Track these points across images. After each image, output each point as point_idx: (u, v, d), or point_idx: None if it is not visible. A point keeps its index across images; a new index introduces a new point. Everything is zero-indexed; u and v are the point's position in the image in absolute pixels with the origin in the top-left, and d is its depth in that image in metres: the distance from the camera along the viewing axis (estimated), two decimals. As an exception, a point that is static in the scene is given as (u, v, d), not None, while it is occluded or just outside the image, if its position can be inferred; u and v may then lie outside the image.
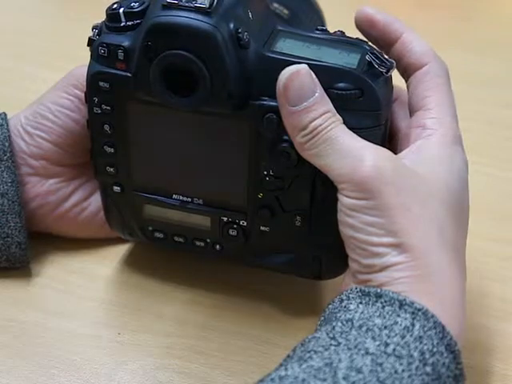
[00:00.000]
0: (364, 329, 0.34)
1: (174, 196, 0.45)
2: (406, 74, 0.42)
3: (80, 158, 0.49)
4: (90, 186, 0.51)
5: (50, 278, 0.50)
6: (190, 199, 0.44)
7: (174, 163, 0.44)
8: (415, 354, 0.32)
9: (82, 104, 0.47)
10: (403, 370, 0.32)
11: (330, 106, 0.38)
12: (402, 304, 0.34)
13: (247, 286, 0.49)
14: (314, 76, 0.37)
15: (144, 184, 0.45)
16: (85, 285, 0.49)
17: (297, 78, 0.37)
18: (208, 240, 0.46)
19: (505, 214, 0.57)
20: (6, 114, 0.49)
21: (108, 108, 0.42)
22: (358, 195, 0.36)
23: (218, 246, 0.46)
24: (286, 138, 0.39)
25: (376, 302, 0.35)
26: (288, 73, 0.37)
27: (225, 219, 0.44)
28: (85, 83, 0.43)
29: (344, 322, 0.34)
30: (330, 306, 0.37)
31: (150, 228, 0.47)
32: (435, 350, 0.33)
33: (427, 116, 0.40)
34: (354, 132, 0.38)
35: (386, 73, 0.39)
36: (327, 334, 0.34)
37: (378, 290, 0.35)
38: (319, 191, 0.41)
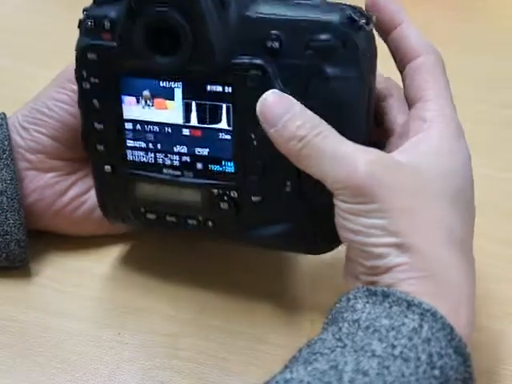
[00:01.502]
0: (371, 330, 0.33)
1: (164, 171, 0.44)
2: (402, 63, 0.41)
3: (77, 153, 0.50)
4: (88, 181, 0.51)
5: (50, 277, 0.50)
6: (180, 173, 0.44)
7: (164, 135, 0.44)
8: (423, 357, 0.32)
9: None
10: (410, 374, 0.31)
11: (312, 117, 0.38)
12: (410, 304, 0.34)
13: (248, 286, 0.49)
14: (285, 96, 0.38)
15: (134, 161, 0.45)
16: (85, 284, 0.49)
17: (266, 102, 0.38)
18: (200, 217, 0.45)
19: (505, 214, 0.57)
20: (5, 114, 0.49)
21: (96, 81, 0.43)
22: (355, 200, 0.36)
23: (210, 223, 0.45)
24: None
25: (383, 301, 0.34)
26: (260, 102, 0.38)
27: (215, 192, 0.44)
28: None
29: (351, 323, 0.34)
30: (338, 306, 0.36)
31: (143, 209, 0.46)
32: (443, 352, 0.32)
33: (427, 108, 0.39)
34: (336, 81, 0.38)
35: (367, 24, 0.39)
36: (333, 335, 0.34)
37: (386, 290, 0.35)
38: None
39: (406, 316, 0.33)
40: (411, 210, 0.36)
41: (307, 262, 0.51)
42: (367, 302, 0.35)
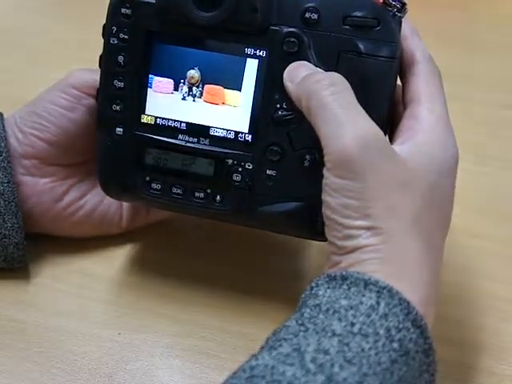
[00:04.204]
0: (331, 312, 0.34)
1: (179, 136, 0.44)
2: (402, 70, 0.42)
3: (72, 158, 0.50)
4: (85, 186, 0.51)
5: (50, 277, 0.50)
6: (196, 139, 0.44)
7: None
8: (381, 332, 0.33)
9: (78, 104, 0.47)
10: (370, 348, 0.32)
11: (333, 77, 0.39)
12: (366, 283, 0.35)
13: (248, 286, 0.49)
14: (310, 65, 0.41)
15: (149, 123, 0.45)
16: (85, 285, 0.49)
17: (293, 65, 0.41)
18: (208, 190, 0.45)
19: (505, 214, 0.57)
20: (2, 115, 0.49)
21: (126, 37, 0.43)
22: (340, 172, 0.36)
23: (218, 197, 0.44)
24: None
25: (342, 284, 0.35)
26: (288, 67, 0.41)
27: (229, 162, 0.44)
28: (83, 83, 0.45)
29: (312, 308, 0.35)
30: (302, 296, 0.37)
31: (148, 178, 0.45)
32: (401, 326, 0.33)
33: (419, 107, 0.40)
34: (368, 58, 0.40)
35: (400, 11, 0.40)
36: (296, 321, 0.35)
37: (344, 273, 0.36)
38: None
39: (363, 295, 0.34)
40: (389, 198, 0.36)
41: (308, 262, 0.51)
42: (328, 288, 0.36)
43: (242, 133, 0.43)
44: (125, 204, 0.52)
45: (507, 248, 0.53)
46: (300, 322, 0.34)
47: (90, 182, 0.50)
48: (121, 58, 0.44)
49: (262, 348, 0.34)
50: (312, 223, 0.43)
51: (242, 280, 0.49)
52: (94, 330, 0.46)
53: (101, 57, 0.45)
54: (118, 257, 0.51)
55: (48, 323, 0.46)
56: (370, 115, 0.38)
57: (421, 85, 0.41)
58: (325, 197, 0.38)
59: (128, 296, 0.48)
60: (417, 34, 0.42)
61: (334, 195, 0.37)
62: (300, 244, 0.53)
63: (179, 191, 0.45)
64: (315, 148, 0.41)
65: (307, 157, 0.42)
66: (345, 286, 0.35)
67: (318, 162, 0.41)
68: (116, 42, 0.44)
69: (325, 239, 0.41)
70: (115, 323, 0.46)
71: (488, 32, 0.84)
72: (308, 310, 0.35)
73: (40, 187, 0.49)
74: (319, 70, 0.40)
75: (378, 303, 0.34)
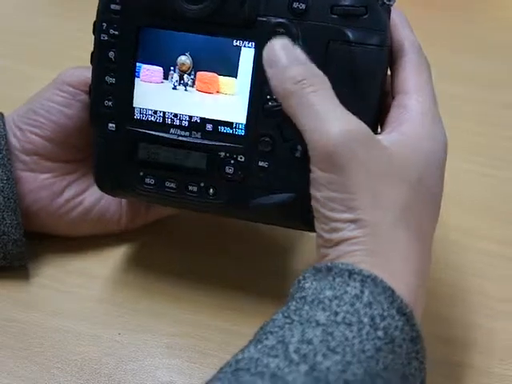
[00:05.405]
0: (316, 302, 0.34)
1: (171, 130, 0.44)
2: (391, 60, 0.42)
3: (72, 154, 0.50)
4: (84, 182, 0.51)
5: (50, 277, 0.50)
6: (188, 133, 0.44)
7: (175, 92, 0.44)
8: (365, 320, 0.33)
9: (74, 100, 0.48)
10: (354, 337, 0.32)
11: (314, 70, 0.38)
12: (351, 273, 0.35)
13: (248, 286, 0.49)
14: (293, 46, 0.39)
15: (141, 119, 0.45)
16: (84, 285, 0.49)
17: (273, 44, 0.39)
18: (202, 183, 0.45)
19: (505, 214, 0.57)
20: (2, 114, 0.49)
21: (116, 33, 0.43)
22: (323, 166, 0.37)
23: (211, 190, 0.44)
24: None
25: (327, 275, 0.35)
26: (268, 44, 0.39)
27: (222, 155, 0.44)
28: (78, 80, 0.46)
29: (298, 300, 0.35)
30: (291, 290, 0.37)
31: (142, 173, 0.45)
32: (386, 314, 0.33)
33: (407, 98, 0.40)
34: (357, 47, 0.40)
35: (389, 0, 0.40)
36: (282, 314, 0.35)
37: (329, 264, 0.36)
38: None
39: (348, 284, 0.34)
40: (374, 190, 0.36)
41: (310, 263, 0.51)
42: (314, 280, 0.36)
43: (237, 123, 0.43)
44: (124, 203, 0.52)
45: (504, 247, 0.53)
46: (286, 314, 0.35)
47: (90, 179, 0.50)
48: (111, 54, 0.44)
49: (250, 342, 0.34)
50: (304, 214, 0.43)
51: (242, 279, 0.49)
52: (94, 330, 0.46)
53: (92, 53, 0.45)
54: (118, 257, 0.51)
55: (48, 323, 0.46)
56: (361, 103, 0.38)
57: (409, 76, 0.40)
58: (312, 190, 0.38)
59: (128, 296, 0.48)
60: (407, 23, 0.42)
61: (320, 189, 0.37)
62: (301, 243, 0.53)
63: (173, 185, 0.45)
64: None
65: (298, 147, 0.42)
66: (330, 277, 0.35)
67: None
68: (106, 38, 0.44)
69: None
70: (115, 323, 0.46)
71: (488, 32, 0.84)
72: (294, 303, 0.35)
73: (39, 183, 0.49)
74: (297, 51, 0.39)
75: (362, 292, 0.34)
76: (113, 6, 0.43)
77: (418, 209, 0.37)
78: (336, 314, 0.33)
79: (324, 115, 0.37)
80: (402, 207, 0.37)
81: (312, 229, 0.42)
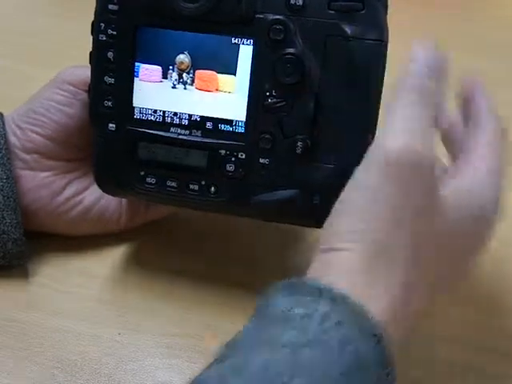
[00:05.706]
0: (283, 320, 0.33)
1: (171, 129, 0.44)
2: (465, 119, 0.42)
3: (73, 153, 0.50)
4: (84, 181, 0.51)
5: (50, 277, 0.50)
6: (188, 131, 0.44)
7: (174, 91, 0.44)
8: (333, 342, 0.31)
9: (74, 99, 0.48)
10: (320, 360, 0.31)
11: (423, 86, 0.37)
12: (321, 292, 0.33)
13: (248, 286, 0.49)
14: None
15: (141, 119, 0.45)
16: (84, 285, 0.49)
17: (419, 47, 0.38)
18: (203, 182, 0.45)
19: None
20: (2, 114, 0.49)
21: (114, 33, 0.43)
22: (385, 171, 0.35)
23: (212, 188, 0.44)
24: (290, 50, 0.41)
25: (297, 292, 0.34)
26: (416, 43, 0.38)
27: (222, 152, 0.44)
28: (78, 79, 0.46)
29: (264, 317, 0.34)
30: (258, 303, 0.36)
31: (142, 173, 0.45)
32: (355, 335, 0.32)
33: (475, 157, 0.39)
34: (355, 42, 0.40)
35: None
36: (248, 330, 0.34)
37: (300, 281, 0.35)
38: (321, 114, 0.42)
39: (318, 303, 0.33)
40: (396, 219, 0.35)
41: (310, 263, 0.51)
42: (284, 296, 0.34)
43: (237, 121, 0.43)
44: (124, 202, 0.52)
45: (502, 247, 0.53)
46: (252, 332, 0.34)
47: (91, 177, 0.50)
48: (110, 54, 0.44)
49: (214, 360, 0.34)
50: (306, 211, 0.43)
51: (242, 279, 0.49)
52: (94, 329, 0.46)
53: (91, 54, 0.45)
54: (118, 256, 0.51)
55: (48, 323, 0.46)
56: (360, 99, 0.38)
57: (482, 139, 0.40)
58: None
59: (128, 296, 0.48)
60: (482, 90, 0.42)
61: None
62: (301, 243, 0.53)
63: (174, 184, 0.45)
64: (306, 135, 0.41)
65: (299, 144, 0.42)
66: (298, 295, 0.34)
67: (310, 149, 0.42)
68: (105, 38, 0.44)
69: (318, 226, 0.40)
70: (115, 323, 0.46)
71: (487, 30, 0.84)
72: (261, 319, 0.34)
73: (39, 181, 0.49)
74: (424, 69, 0.37)
75: (332, 310, 0.32)
76: (110, 6, 0.43)
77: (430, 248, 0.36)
78: (305, 333, 0.32)
79: (398, 122, 0.35)
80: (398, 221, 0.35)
81: (313, 224, 0.42)
